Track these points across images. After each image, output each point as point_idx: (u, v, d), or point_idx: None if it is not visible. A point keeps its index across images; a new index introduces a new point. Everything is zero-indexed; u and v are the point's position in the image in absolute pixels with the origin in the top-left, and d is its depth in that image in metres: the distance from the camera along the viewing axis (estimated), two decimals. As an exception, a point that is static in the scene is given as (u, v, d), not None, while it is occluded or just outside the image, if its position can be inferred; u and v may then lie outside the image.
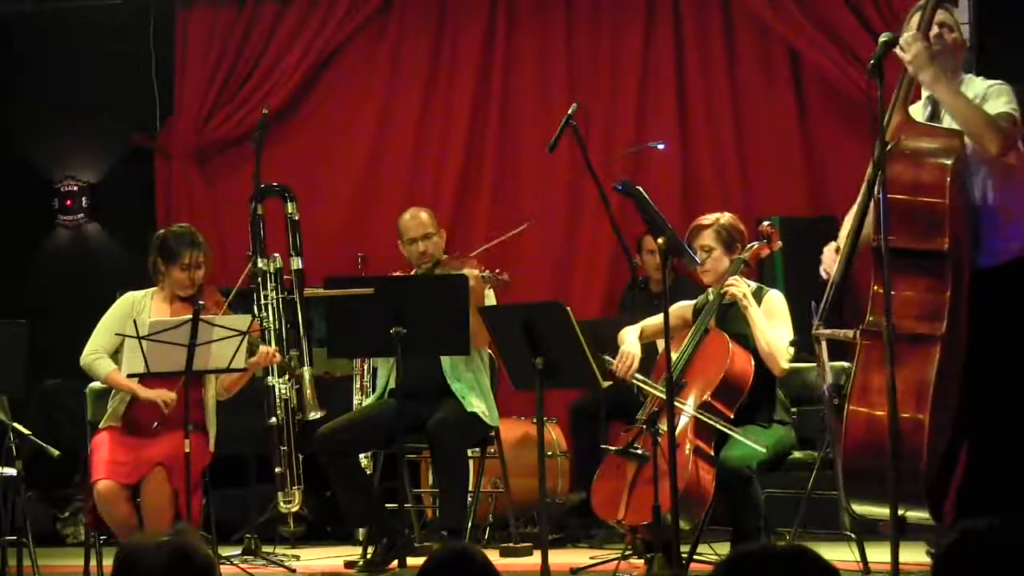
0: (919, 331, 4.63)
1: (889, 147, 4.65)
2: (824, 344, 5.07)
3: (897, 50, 4.71)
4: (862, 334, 4.71)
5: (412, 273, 6.50)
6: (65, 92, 8.99)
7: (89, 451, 6.02)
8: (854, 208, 4.90)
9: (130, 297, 6.18)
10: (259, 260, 6.73)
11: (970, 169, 4.74)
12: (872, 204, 4.61)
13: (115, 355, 5.99)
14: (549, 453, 6.91)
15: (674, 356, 5.63)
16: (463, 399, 6.36)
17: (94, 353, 6.04)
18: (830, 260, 4.92)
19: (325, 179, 8.73)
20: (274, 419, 6.60)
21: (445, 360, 6.40)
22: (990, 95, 4.77)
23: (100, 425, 6.06)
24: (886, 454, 4.40)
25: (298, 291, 6.66)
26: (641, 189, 5.53)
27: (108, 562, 5.67)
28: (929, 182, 4.65)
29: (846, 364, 5.49)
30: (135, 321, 5.75)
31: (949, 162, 4.66)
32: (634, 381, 5.80)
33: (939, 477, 4.66)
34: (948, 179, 4.63)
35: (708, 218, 5.98)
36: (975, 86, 4.83)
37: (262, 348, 6.19)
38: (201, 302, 5.86)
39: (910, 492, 4.51)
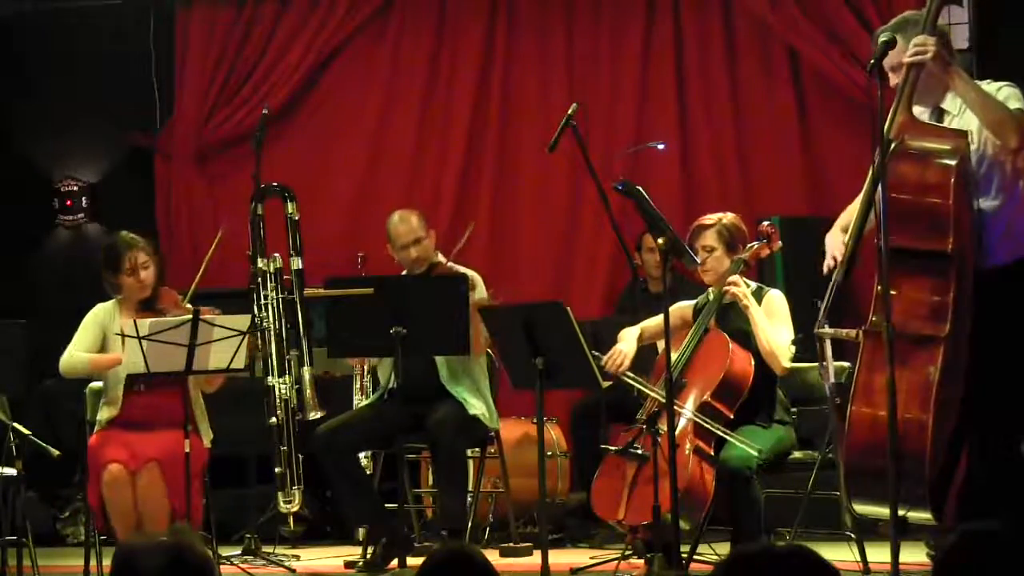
0: (923, 332, 4.62)
1: (893, 146, 4.64)
2: (828, 343, 5.06)
3: (907, 55, 4.67)
4: (865, 335, 4.70)
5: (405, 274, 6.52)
6: (65, 92, 8.98)
7: (86, 454, 6.04)
8: (855, 204, 4.90)
9: (100, 309, 6.22)
10: (259, 260, 6.74)
11: (974, 169, 4.74)
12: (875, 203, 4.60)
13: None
14: (549, 453, 6.91)
15: (674, 356, 5.63)
16: (464, 400, 6.36)
17: (67, 354, 6.11)
18: (837, 245, 4.88)
19: (325, 179, 8.72)
20: (274, 419, 6.60)
21: (441, 367, 6.39)
22: (999, 97, 4.75)
23: (95, 431, 6.11)
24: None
25: (298, 291, 6.65)
26: (641, 189, 5.53)
27: (108, 562, 5.66)
28: (934, 183, 4.65)
29: (846, 364, 5.49)
30: (135, 321, 5.77)
31: (954, 163, 4.65)
32: (624, 378, 5.79)
33: (941, 477, 4.65)
34: (952, 180, 4.63)
35: (711, 218, 5.97)
36: (985, 89, 4.80)
37: None
38: (161, 308, 5.93)
39: (913, 493, 4.50)
